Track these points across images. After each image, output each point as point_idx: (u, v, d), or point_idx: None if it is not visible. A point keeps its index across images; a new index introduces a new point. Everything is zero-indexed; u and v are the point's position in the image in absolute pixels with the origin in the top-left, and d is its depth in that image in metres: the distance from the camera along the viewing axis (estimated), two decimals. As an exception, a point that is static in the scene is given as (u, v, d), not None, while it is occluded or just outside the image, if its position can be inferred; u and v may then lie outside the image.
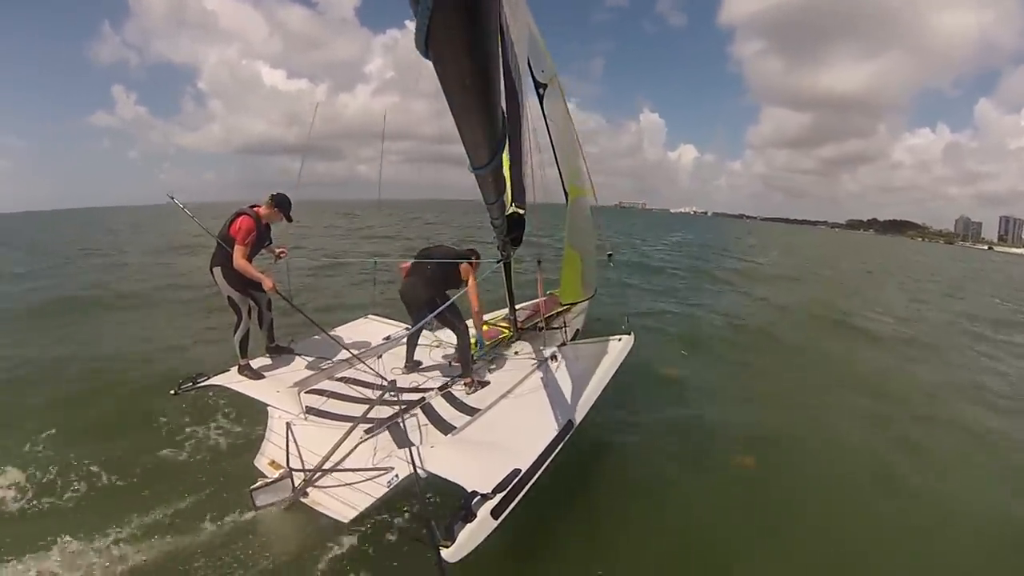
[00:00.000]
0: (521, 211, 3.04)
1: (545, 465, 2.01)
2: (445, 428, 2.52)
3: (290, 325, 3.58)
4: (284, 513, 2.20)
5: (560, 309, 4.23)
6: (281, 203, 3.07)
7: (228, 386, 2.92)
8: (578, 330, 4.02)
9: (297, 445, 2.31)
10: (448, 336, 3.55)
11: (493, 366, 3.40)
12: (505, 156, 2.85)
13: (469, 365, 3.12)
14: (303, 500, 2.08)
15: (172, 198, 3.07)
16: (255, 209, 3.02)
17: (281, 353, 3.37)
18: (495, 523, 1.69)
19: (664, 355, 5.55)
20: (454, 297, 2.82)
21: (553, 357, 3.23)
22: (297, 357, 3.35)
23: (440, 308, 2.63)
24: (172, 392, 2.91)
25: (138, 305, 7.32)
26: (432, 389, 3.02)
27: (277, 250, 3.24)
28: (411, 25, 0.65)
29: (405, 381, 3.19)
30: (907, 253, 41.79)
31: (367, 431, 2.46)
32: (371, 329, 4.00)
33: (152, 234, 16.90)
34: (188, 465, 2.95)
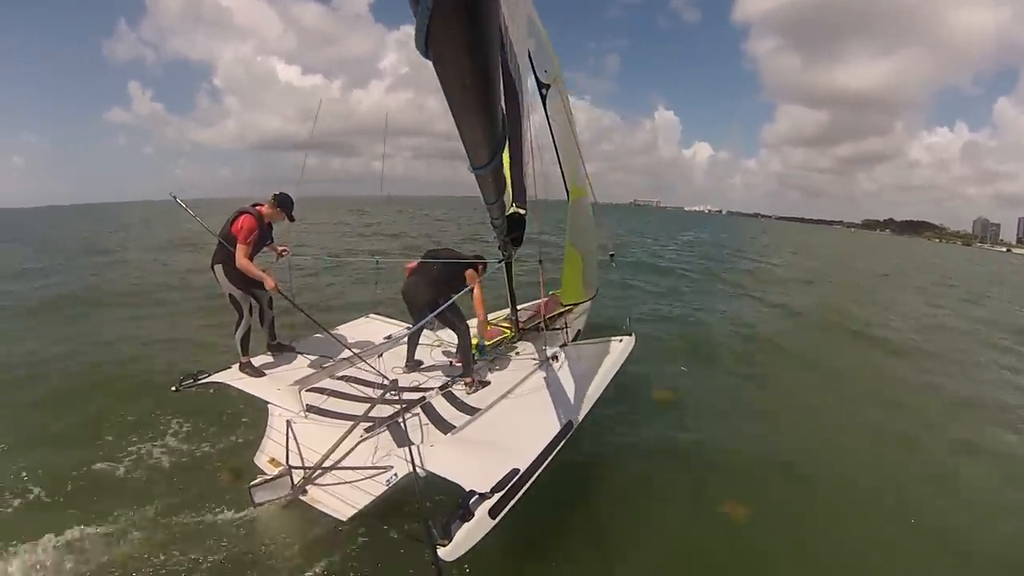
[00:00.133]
0: (522, 211, 3.04)
1: (544, 465, 2.00)
2: (445, 427, 2.52)
3: (291, 323, 3.59)
4: (283, 510, 2.21)
5: (562, 309, 4.21)
6: (283, 203, 3.08)
7: (229, 383, 2.94)
8: (579, 331, 4.01)
9: (297, 443, 2.32)
10: (449, 336, 3.55)
11: (494, 366, 3.40)
12: (505, 156, 2.85)
13: (470, 365, 3.12)
14: (302, 498, 2.09)
15: (174, 197, 3.10)
16: (257, 208, 3.03)
17: (282, 351, 3.38)
18: (493, 523, 1.69)
19: (661, 371, 5.02)
20: (455, 297, 2.82)
21: (554, 357, 3.22)
22: (298, 355, 3.37)
23: (441, 307, 2.63)
24: (173, 389, 2.93)
25: (140, 303, 7.36)
26: (432, 388, 3.02)
27: (279, 248, 3.25)
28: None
29: (405, 380, 3.19)
30: (924, 255, 40.12)
31: (367, 430, 2.47)
32: (372, 328, 4.01)
33: (162, 229, 17.11)
34: (186, 463, 2.96)
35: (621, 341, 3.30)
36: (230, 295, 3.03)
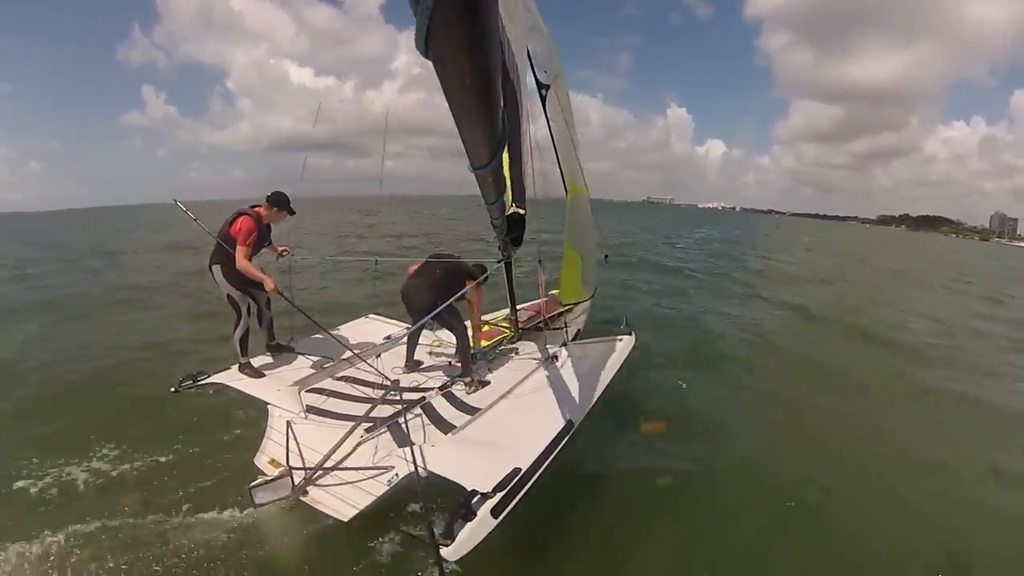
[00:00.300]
0: (522, 211, 3.04)
1: (545, 465, 2.00)
2: (445, 427, 2.52)
3: (291, 324, 3.58)
4: (284, 511, 2.21)
5: (561, 309, 4.20)
6: (278, 201, 3.07)
7: (228, 384, 2.94)
8: (579, 330, 4.00)
9: (297, 443, 2.32)
10: (448, 336, 3.55)
11: (494, 366, 3.40)
12: (505, 156, 2.85)
13: (469, 364, 3.12)
14: (303, 499, 2.09)
15: (175, 201, 3.12)
16: (256, 209, 3.03)
17: (281, 351, 3.38)
18: (495, 522, 1.69)
19: (658, 385, 4.46)
20: (452, 299, 2.82)
21: (554, 357, 3.22)
22: (298, 356, 3.37)
23: (438, 309, 2.63)
24: (172, 390, 2.93)
25: (141, 303, 7.41)
26: (432, 388, 3.02)
27: (279, 248, 3.25)
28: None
29: (405, 380, 3.19)
30: (941, 251, 38.20)
31: (367, 430, 2.46)
32: (372, 328, 4.01)
33: (173, 232, 17.30)
34: (183, 462, 2.96)
35: (621, 340, 3.30)
36: (228, 295, 3.04)
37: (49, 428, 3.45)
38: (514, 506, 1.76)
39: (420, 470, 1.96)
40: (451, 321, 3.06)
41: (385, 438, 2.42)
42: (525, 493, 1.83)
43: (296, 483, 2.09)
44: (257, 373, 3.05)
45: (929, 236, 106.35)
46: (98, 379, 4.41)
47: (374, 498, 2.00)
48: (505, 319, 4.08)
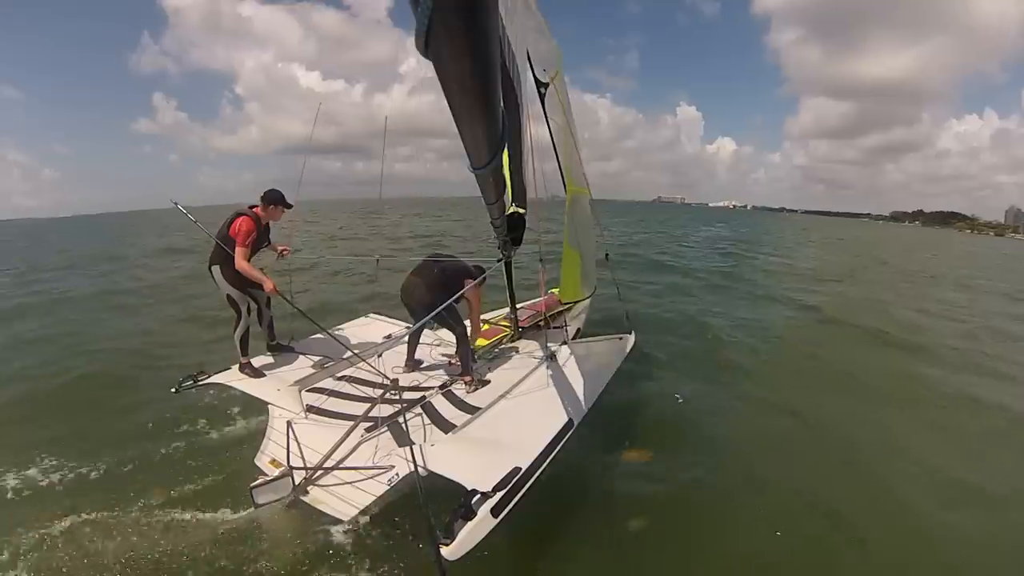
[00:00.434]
0: (521, 211, 3.04)
1: (546, 464, 2.01)
2: (446, 427, 2.52)
3: (291, 324, 3.59)
4: (284, 511, 2.22)
5: (561, 308, 4.22)
6: (273, 199, 3.05)
7: (229, 384, 2.94)
8: (579, 329, 4.02)
9: (298, 443, 2.32)
10: (449, 335, 3.56)
11: (494, 365, 3.40)
12: (505, 156, 2.85)
13: (469, 364, 3.12)
14: (303, 498, 2.09)
15: (176, 204, 3.11)
16: (254, 209, 3.02)
17: (282, 351, 3.38)
18: (495, 521, 1.69)
19: (652, 395, 4.05)
20: (451, 300, 2.84)
21: (554, 356, 3.23)
22: (298, 355, 3.36)
23: (438, 309, 2.64)
24: (173, 390, 2.93)
25: (143, 305, 7.42)
26: (433, 388, 3.03)
27: (280, 248, 3.25)
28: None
29: (406, 380, 3.19)
30: (957, 247, 35.86)
31: (368, 429, 2.47)
32: (372, 328, 4.01)
33: (182, 237, 17.15)
34: (183, 462, 2.96)
35: (621, 339, 3.31)
36: (228, 295, 3.03)
37: (51, 426, 3.44)
38: (514, 505, 1.76)
39: (420, 469, 1.96)
40: (450, 320, 3.07)
41: (385, 437, 2.42)
42: (525, 492, 1.83)
43: (296, 483, 2.10)
44: (257, 373, 3.05)
45: (943, 232, 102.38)
46: (99, 379, 4.40)
47: (374, 498, 2.01)
48: (505, 318, 4.08)
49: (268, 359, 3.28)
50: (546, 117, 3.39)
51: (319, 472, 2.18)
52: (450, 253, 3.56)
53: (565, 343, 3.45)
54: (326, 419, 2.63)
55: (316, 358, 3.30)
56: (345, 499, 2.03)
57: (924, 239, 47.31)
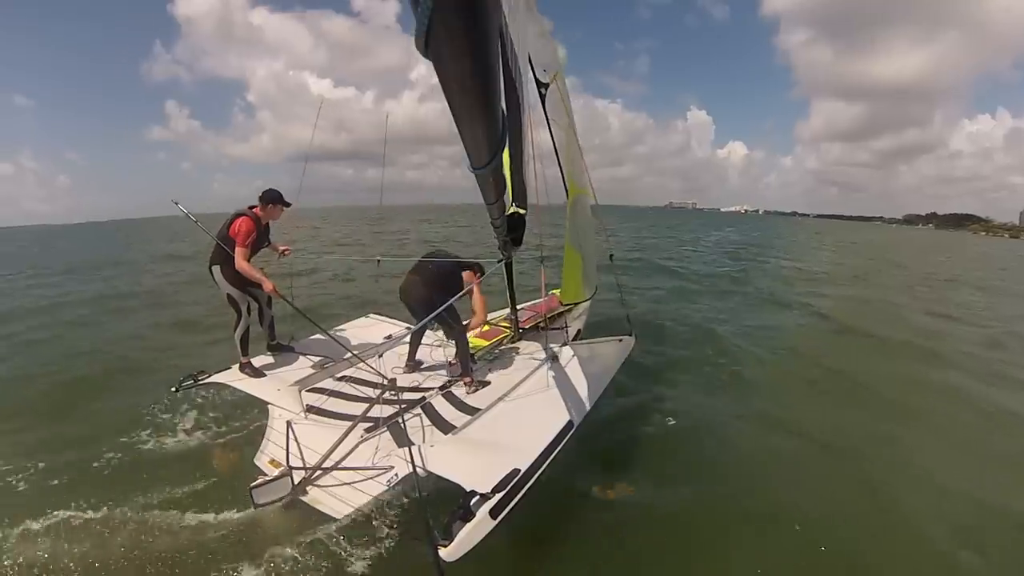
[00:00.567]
0: (522, 211, 3.04)
1: (545, 465, 2.00)
2: (445, 427, 2.52)
3: (291, 323, 3.60)
4: (283, 511, 2.21)
5: (562, 309, 4.20)
6: (272, 199, 3.06)
7: (229, 384, 2.95)
8: (579, 330, 4.00)
9: (298, 444, 2.33)
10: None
11: (494, 366, 3.39)
12: (505, 156, 2.84)
13: (468, 364, 3.12)
14: (303, 499, 2.09)
15: (176, 204, 3.13)
16: (253, 210, 3.04)
17: (282, 351, 3.39)
18: (493, 523, 1.69)
19: (637, 422, 3.56)
20: (453, 300, 2.84)
21: (554, 357, 3.22)
22: (298, 356, 3.37)
23: (439, 309, 2.64)
24: (173, 389, 2.94)
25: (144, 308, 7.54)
26: (433, 388, 3.02)
27: (280, 248, 3.26)
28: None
29: (406, 380, 3.20)
30: (972, 250, 34.10)
31: (367, 430, 2.47)
32: (372, 328, 4.02)
33: (187, 244, 17.52)
34: (183, 462, 2.96)
35: (621, 341, 3.29)
36: (228, 295, 3.04)
37: (51, 425, 3.47)
38: (513, 507, 1.76)
39: (419, 470, 1.96)
40: (449, 320, 3.06)
41: (385, 438, 2.41)
42: (524, 494, 1.82)
43: (296, 483, 2.10)
44: (258, 373, 3.06)
45: (957, 234, 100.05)
46: (101, 379, 4.43)
47: (374, 498, 2.01)
48: (505, 319, 4.08)
49: (268, 359, 3.28)
50: (547, 118, 3.39)
51: (318, 472, 2.18)
52: (448, 252, 3.56)
53: (565, 344, 3.44)
54: (326, 419, 2.63)
55: (316, 358, 3.31)
56: (344, 500, 2.03)
57: (938, 242, 45.41)
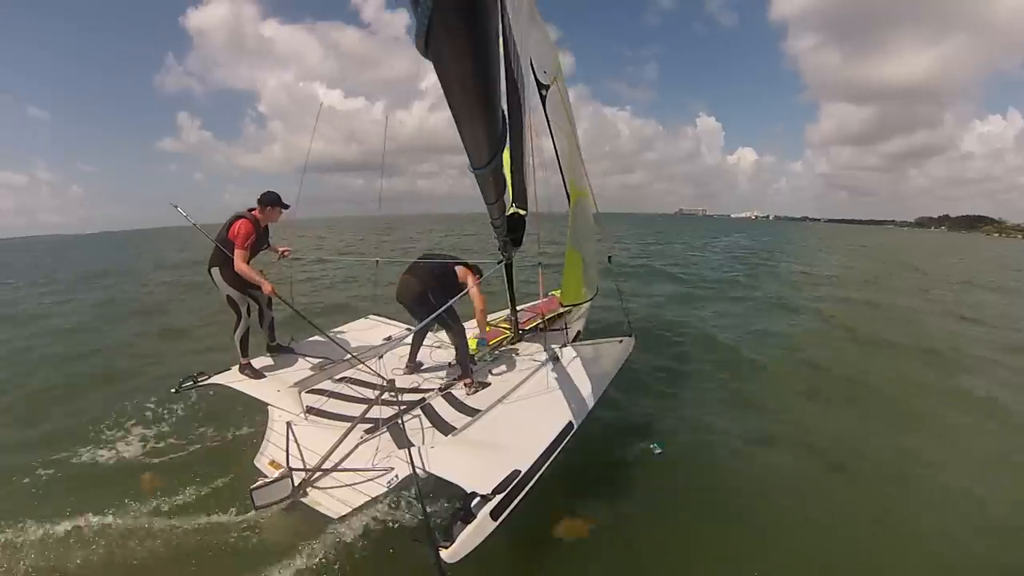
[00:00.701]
0: (522, 212, 3.05)
1: (545, 467, 1.99)
2: (445, 429, 2.51)
3: (291, 324, 3.60)
4: (284, 513, 2.20)
5: (561, 310, 4.18)
6: (270, 201, 3.08)
7: (229, 385, 2.94)
8: (579, 332, 3.99)
9: (298, 445, 2.32)
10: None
11: (494, 367, 3.38)
12: (506, 156, 2.85)
13: (467, 366, 3.11)
14: (303, 500, 2.08)
15: (176, 207, 3.12)
16: (252, 212, 3.05)
17: (282, 352, 3.39)
18: (494, 524, 1.68)
19: (616, 447, 3.12)
20: (452, 301, 2.84)
21: (554, 358, 3.21)
22: (298, 357, 3.37)
23: (439, 311, 2.65)
24: (172, 391, 2.94)
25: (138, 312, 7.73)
26: (432, 389, 3.02)
27: (280, 248, 3.27)
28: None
29: (405, 381, 3.19)
30: (988, 252, 32.13)
31: (367, 431, 2.46)
32: (372, 330, 4.02)
33: (195, 251, 17.86)
34: (182, 463, 2.96)
35: (621, 342, 3.28)
36: (228, 296, 3.05)
37: (50, 423, 3.50)
38: (513, 508, 1.75)
39: (419, 471, 1.95)
40: (447, 321, 3.06)
41: (385, 439, 2.41)
42: (525, 495, 1.81)
43: (296, 485, 2.09)
44: (258, 374, 3.06)
45: (970, 236, 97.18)
46: (102, 379, 4.47)
47: (373, 500, 2.00)
48: (505, 320, 4.08)
49: (268, 360, 3.28)
50: (547, 119, 3.40)
51: (318, 474, 2.17)
52: (444, 253, 3.55)
53: (565, 345, 3.43)
54: (326, 420, 2.62)
55: (316, 359, 3.31)
56: (344, 501, 2.02)
57: (950, 244, 43.15)
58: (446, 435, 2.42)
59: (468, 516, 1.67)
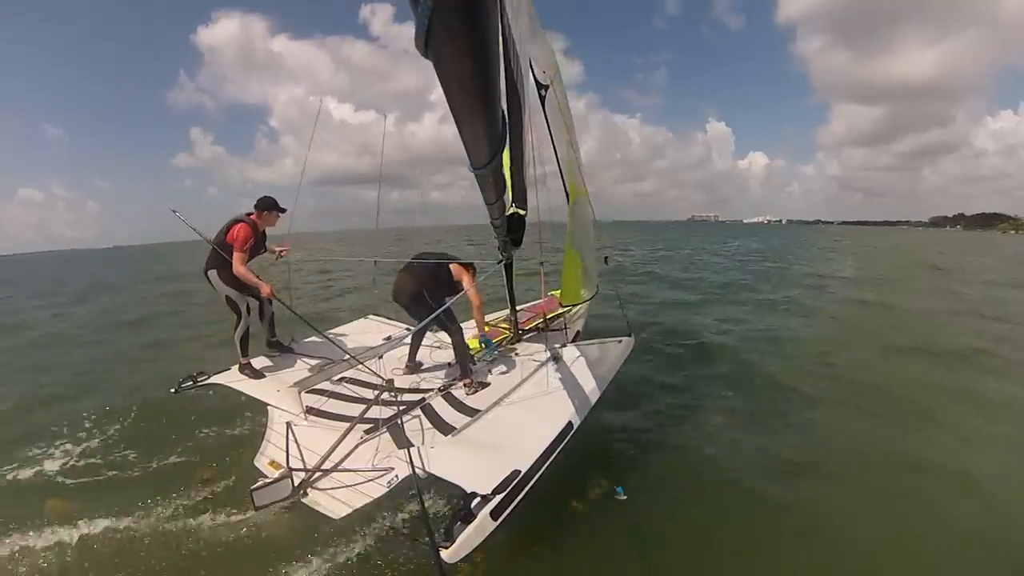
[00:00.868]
0: (522, 212, 3.04)
1: (545, 466, 1.98)
2: (445, 429, 2.50)
3: (291, 324, 3.57)
4: (284, 513, 2.20)
5: (561, 310, 4.16)
6: (267, 206, 3.10)
7: (229, 385, 2.94)
8: (579, 331, 3.97)
9: (298, 445, 2.31)
10: (447, 337, 3.53)
11: (493, 367, 3.38)
12: (506, 157, 2.86)
13: (467, 366, 3.11)
14: (303, 500, 2.07)
15: (175, 212, 3.14)
16: (251, 217, 3.07)
17: (282, 352, 3.40)
18: (494, 524, 1.67)
19: (586, 477, 2.80)
20: (450, 302, 2.83)
21: (554, 358, 3.21)
22: (298, 357, 3.38)
23: (440, 310, 2.64)
24: (172, 391, 2.93)
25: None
26: (432, 390, 3.01)
27: (278, 248, 3.28)
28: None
29: (405, 381, 3.19)
30: (1000, 248, 31.65)
31: (367, 431, 2.46)
32: (372, 330, 4.02)
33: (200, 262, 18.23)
34: (182, 464, 2.98)
35: (621, 342, 3.27)
36: (227, 297, 3.05)
37: (52, 422, 3.52)
38: (514, 508, 1.74)
39: (419, 472, 1.95)
40: (445, 321, 3.07)
41: (385, 439, 2.40)
42: (525, 495, 1.80)
43: (296, 485, 2.08)
44: (257, 374, 3.06)
45: (986, 234, 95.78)
46: (104, 379, 4.52)
47: (373, 500, 1.98)
48: (505, 320, 4.07)
49: (268, 360, 3.29)
50: (546, 119, 3.41)
51: (318, 474, 2.17)
52: (440, 252, 3.54)
53: (565, 345, 3.43)
54: (326, 421, 2.62)
55: (316, 360, 3.31)
56: (344, 501, 2.01)
57: (964, 242, 42.02)
58: (446, 435, 2.41)
59: (468, 516, 1.66)
